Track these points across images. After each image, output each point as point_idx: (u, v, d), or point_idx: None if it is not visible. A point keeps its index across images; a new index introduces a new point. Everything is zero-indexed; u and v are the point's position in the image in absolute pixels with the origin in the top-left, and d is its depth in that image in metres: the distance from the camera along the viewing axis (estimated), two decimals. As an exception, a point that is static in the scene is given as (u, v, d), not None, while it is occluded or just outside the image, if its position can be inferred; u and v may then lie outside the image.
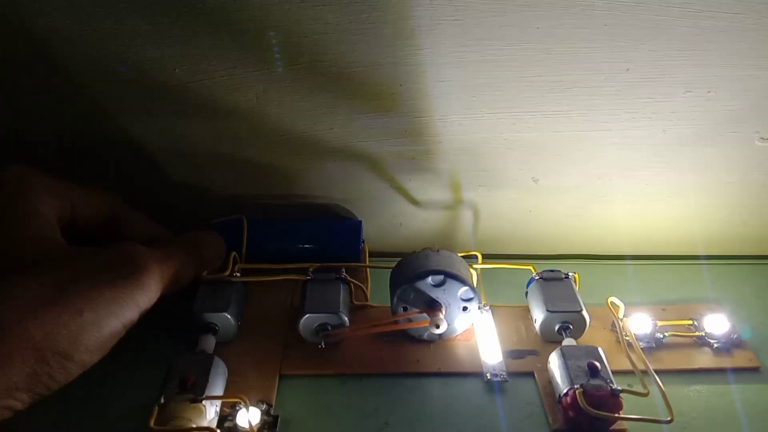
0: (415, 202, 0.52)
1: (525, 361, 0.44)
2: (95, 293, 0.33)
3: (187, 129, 0.46)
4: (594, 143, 0.47)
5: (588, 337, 0.44)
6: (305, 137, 0.46)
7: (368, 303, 0.48)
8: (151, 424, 0.35)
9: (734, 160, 0.48)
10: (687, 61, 0.41)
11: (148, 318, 0.36)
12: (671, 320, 0.46)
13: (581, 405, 0.36)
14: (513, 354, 0.44)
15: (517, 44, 0.40)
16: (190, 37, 0.39)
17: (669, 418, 0.36)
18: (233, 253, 0.46)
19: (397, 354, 0.44)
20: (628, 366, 0.41)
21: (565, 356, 0.40)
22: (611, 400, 0.37)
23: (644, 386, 0.38)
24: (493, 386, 0.42)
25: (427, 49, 0.40)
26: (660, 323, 0.45)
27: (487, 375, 0.42)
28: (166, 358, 0.40)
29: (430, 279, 0.42)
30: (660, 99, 0.44)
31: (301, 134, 0.46)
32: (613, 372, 0.39)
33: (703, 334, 0.45)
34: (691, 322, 0.46)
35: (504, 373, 0.42)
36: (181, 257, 0.40)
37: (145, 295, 0.35)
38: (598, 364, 0.39)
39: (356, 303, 0.47)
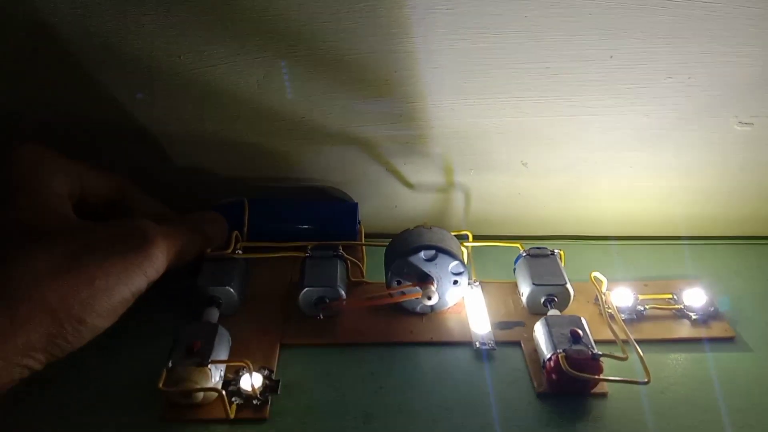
0: (409, 184, 0.54)
1: (512, 332, 0.46)
2: (107, 263, 0.35)
3: (190, 114, 0.47)
4: (580, 128, 0.49)
5: (572, 310, 0.46)
6: (304, 122, 0.48)
7: (364, 280, 0.50)
8: (160, 385, 0.37)
9: (714, 144, 0.50)
10: (668, 48, 0.43)
11: (155, 292, 0.38)
12: (652, 294, 0.48)
13: (564, 368, 0.38)
14: (501, 325, 0.46)
15: (507, 33, 0.42)
16: (195, 25, 0.41)
17: (646, 380, 0.38)
18: (235, 233, 0.48)
19: (392, 326, 0.46)
20: (610, 336, 0.42)
21: (549, 324, 0.42)
22: (592, 364, 0.39)
23: (624, 351, 0.40)
24: (482, 354, 0.44)
25: (420, 36, 0.42)
26: (641, 297, 0.47)
27: (476, 344, 0.44)
28: (173, 329, 0.42)
29: (422, 254, 0.44)
30: (642, 85, 0.46)
31: (300, 119, 0.48)
32: (596, 341, 0.41)
33: (682, 307, 0.47)
34: (671, 296, 0.48)
35: (492, 342, 0.44)
36: (186, 234, 0.42)
37: (153, 266, 0.37)
38: (580, 331, 0.41)
39: (353, 279, 0.49)
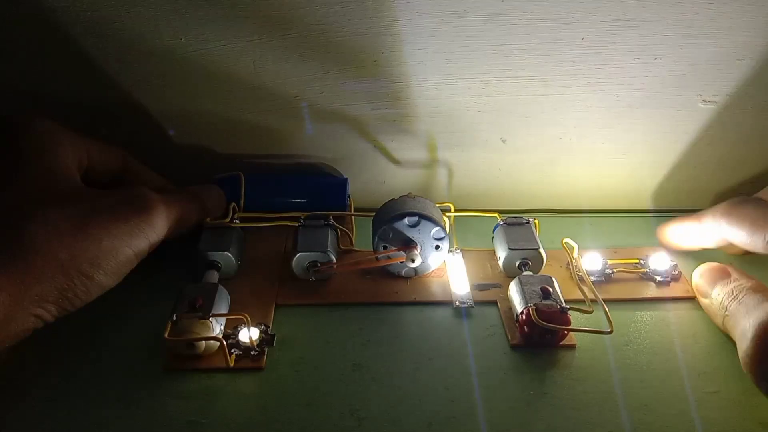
0: (396, 161, 0.56)
1: (489, 292, 0.49)
2: (112, 225, 0.38)
3: (190, 93, 0.50)
4: (554, 106, 0.51)
5: (545, 273, 0.48)
6: (297, 101, 0.50)
7: (353, 248, 0.53)
8: (165, 335, 0.40)
9: (680, 121, 0.53)
10: (635, 30, 0.46)
11: (159, 257, 0.41)
12: (620, 260, 0.51)
13: (534, 320, 0.41)
14: (479, 287, 0.49)
15: (485, 16, 0.45)
16: (196, 8, 0.44)
17: (609, 330, 0.41)
18: (233, 204, 0.51)
19: (378, 288, 0.49)
20: (580, 296, 0.45)
21: (522, 283, 0.45)
22: (560, 316, 0.42)
23: (589, 305, 0.43)
24: (461, 312, 0.47)
25: (405, 19, 0.45)
26: (610, 262, 0.50)
27: (456, 303, 0.47)
28: (177, 289, 0.44)
29: (406, 220, 0.47)
30: (612, 65, 0.48)
31: (294, 98, 0.50)
32: (567, 300, 0.44)
33: (648, 271, 0.50)
34: (637, 261, 0.51)
35: (471, 301, 0.47)
36: (185, 203, 0.45)
37: (154, 230, 0.40)
38: (550, 288, 0.44)
39: (343, 248, 0.51)
